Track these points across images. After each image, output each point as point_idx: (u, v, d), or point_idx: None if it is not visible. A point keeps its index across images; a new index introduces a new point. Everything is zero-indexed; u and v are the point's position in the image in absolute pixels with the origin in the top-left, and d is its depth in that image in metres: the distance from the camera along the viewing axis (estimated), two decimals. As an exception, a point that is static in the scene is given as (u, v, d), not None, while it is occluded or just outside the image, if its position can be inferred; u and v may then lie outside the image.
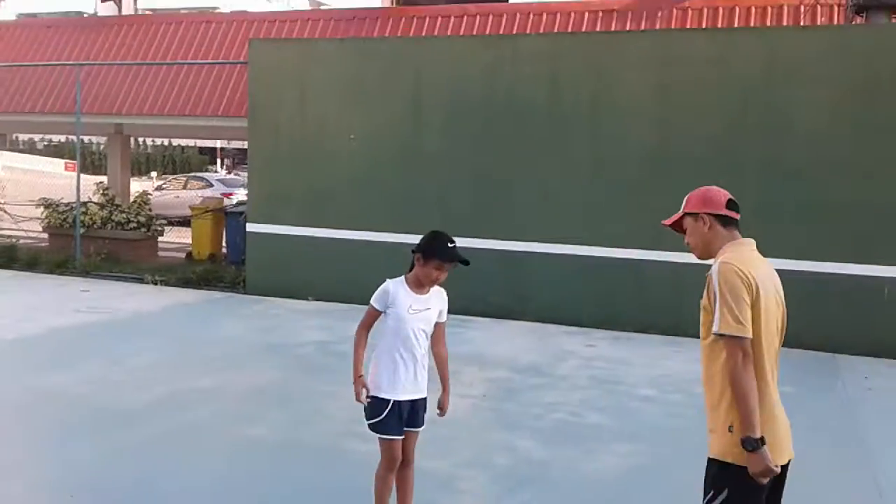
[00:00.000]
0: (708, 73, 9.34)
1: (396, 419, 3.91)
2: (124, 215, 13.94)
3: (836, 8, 12.93)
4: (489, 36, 13.12)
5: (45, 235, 14.78)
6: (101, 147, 40.45)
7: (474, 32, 13.96)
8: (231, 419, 6.07)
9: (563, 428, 6.09)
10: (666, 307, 9.33)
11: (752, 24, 13.08)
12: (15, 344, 8.18)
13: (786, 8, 13.31)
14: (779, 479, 2.96)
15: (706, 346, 3.03)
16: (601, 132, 9.73)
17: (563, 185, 9.87)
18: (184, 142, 48.51)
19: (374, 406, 3.92)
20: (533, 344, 8.84)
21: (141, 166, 45.06)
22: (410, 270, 3.96)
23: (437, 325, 4.02)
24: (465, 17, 14.46)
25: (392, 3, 20.68)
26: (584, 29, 13.69)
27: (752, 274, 2.92)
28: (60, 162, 38.18)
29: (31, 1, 73.92)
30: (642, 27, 13.48)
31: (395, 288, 3.93)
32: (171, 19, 16.91)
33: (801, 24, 12.81)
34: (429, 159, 10.43)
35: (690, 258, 9.80)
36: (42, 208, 14.47)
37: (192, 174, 27.51)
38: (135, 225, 13.92)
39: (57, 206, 14.33)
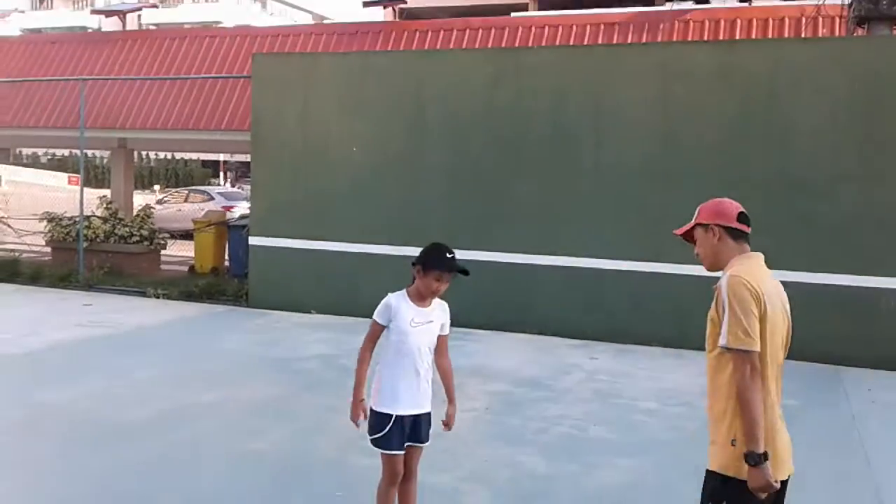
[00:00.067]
0: (710, 86, 9.36)
1: (399, 434, 3.90)
2: (127, 229, 13.96)
3: (837, 20, 12.96)
4: (491, 49, 13.17)
5: (48, 249, 14.80)
6: (105, 161, 40.65)
7: (476, 46, 14.01)
8: (233, 433, 6.06)
9: (566, 442, 6.07)
10: (668, 319, 9.31)
11: (753, 37, 13.11)
12: (18, 358, 8.17)
13: (787, 20, 13.36)
14: (778, 495, 2.95)
15: (712, 358, 3.03)
16: (603, 145, 9.75)
17: (566, 198, 9.88)
18: (187, 155, 48.67)
19: (377, 421, 3.91)
20: (535, 356, 8.82)
21: (144, 179, 45.23)
22: (412, 284, 3.96)
23: (440, 337, 4.01)
24: (468, 31, 14.52)
25: (394, 18, 20.78)
26: (585, 42, 13.74)
27: (760, 288, 2.93)
28: (64, 176, 38.37)
29: (35, 16, 74.35)
30: (644, 40, 13.53)
31: (397, 301, 3.93)
32: (174, 34, 17.00)
33: (803, 35, 12.85)
34: (432, 172, 10.45)
35: (692, 270, 9.78)
36: (45, 222, 14.50)
37: (194, 187, 27.57)
38: (138, 238, 13.94)
39: (60, 219, 14.36)
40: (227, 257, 13.99)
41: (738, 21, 13.54)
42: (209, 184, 44.75)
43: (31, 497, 4.83)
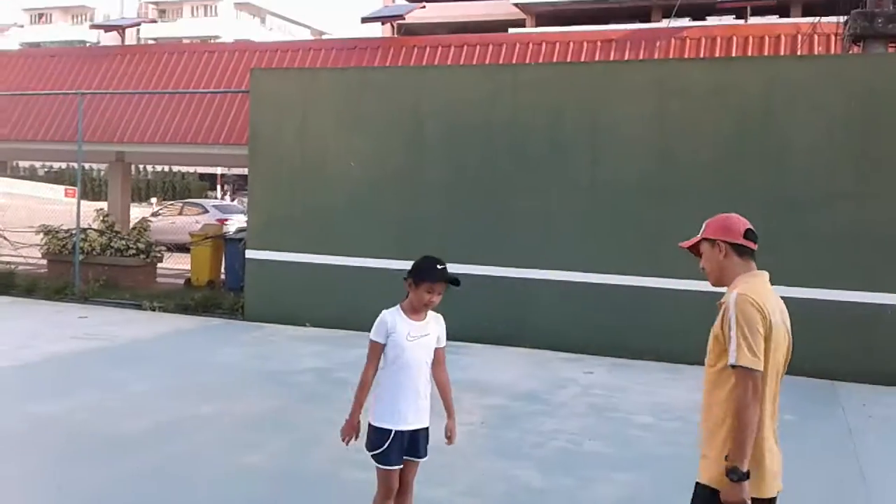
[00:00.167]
0: (706, 103, 9.41)
1: (398, 449, 3.89)
2: (124, 242, 13.96)
3: (832, 37, 13.05)
4: (489, 65, 13.24)
5: (44, 262, 14.79)
6: (102, 173, 40.69)
7: (474, 62, 14.08)
8: (229, 447, 6.04)
9: (562, 456, 6.06)
10: (663, 334, 9.33)
11: (749, 54, 13.19)
12: (13, 371, 8.15)
13: (783, 37, 13.45)
14: None
15: (713, 372, 3.05)
16: (600, 161, 9.79)
17: (562, 213, 9.90)
18: (184, 168, 48.73)
19: (376, 436, 3.90)
20: (531, 370, 8.81)
21: (141, 192, 45.27)
22: (405, 299, 3.97)
23: (437, 350, 4.02)
24: (465, 47, 14.60)
25: (393, 33, 20.88)
26: (582, 59, 13.81)
27: (766, 306, 2.95)
28: (61, 188, 38.40)
29: (34, 31, 74.66)
30: (641, 57, 13.60)
31: (392, 317, 3.94)
32: (173, 49, 17.08)
33: (799, 53, 12.93)
34: (428, 187, 10.47)
35: (688, 285, 9.84)
36: (42, 234, 14.49)
37: (188, 200, 27.58)
38: (134, 251, 13.94)
39: (56, 232, 14.35)
40: (223, 270, 13.99)
41: (735, 38, 13.63)
42: (206, 197, 44.79)
43: (24, 509, 4.81)
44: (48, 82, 16.30)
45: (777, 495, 3.02)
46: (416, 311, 3.94)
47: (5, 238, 16.63)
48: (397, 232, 10.46)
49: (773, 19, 23.92)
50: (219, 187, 54.79)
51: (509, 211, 10.09)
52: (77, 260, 13.23)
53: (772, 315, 2.96)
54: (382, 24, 20.98)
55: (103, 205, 18.06)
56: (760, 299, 2.96)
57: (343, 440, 3.95)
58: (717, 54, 13.36)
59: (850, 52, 11.26)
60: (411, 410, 3.91)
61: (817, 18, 14.08)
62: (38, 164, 49.22)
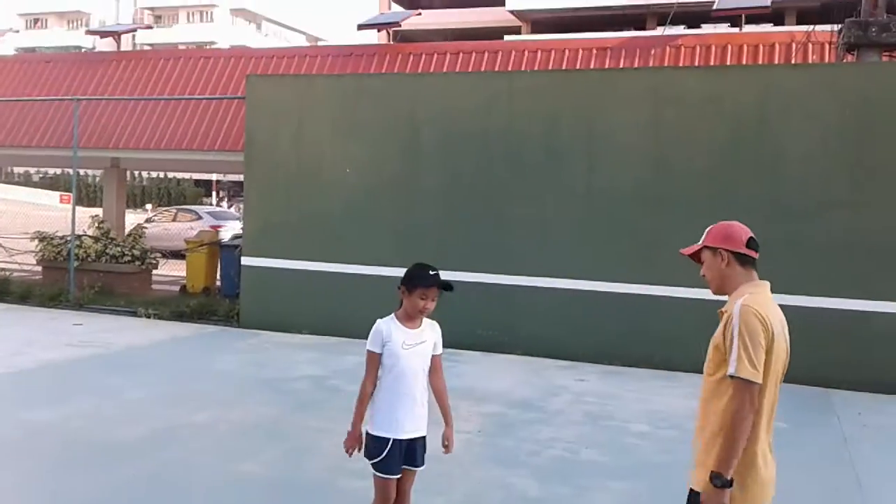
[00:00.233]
0: (701, 111, 9.44)
1: (396, 458, 3.89)
2: (119, 248, 13.94)
3: (827, 46, 13.10)
4: (485, 72, 13.26)
5: (39, 268, 14.75)
6: (97, 179, 40.65)
7: (470, 69, 14.10)
8: (224, 455, 6.03)
9: (558, 464, 6.06)
10: (657, 341, 9.35)
11: (744, 62, 13.24)
12: (7, 378, 8.13)
13: (777, 46, 13.50)
14: None
15: (712, 381, 3.06)
16: (595, 168, 9.81)
17: (557, 220, 9.92)
18: (179, 174, 48.71)
19: (374, 445, 3.90)
20: (526, 378, 8.81)
21: (136, 198, 45.22)
22: (399, 308, 3.98)
23: (433, 357, 4.02)
24: (461, 54, 14.62)
25: (389, 40, 20.91)
26: (578, 66, 13.84)
27: (769, 319, 2.97)
28: (56, 194, 38.36)
29: (30, 36, 74.55)
30: (636, 65, 13.64)
31: (387, 326, 3.94)
32: (169, 55, 17.06)
33: (793, 61, 12.98)
34: (424, 194, 10.49)
35: (682, 293, 9.82)
36: (37, 241, 14.46)
37: (181, 206, 27.57)
38: (129, 258, 13.92)
39: (51, 239, 14.33)
40: (218, 277, 13.97)
41: (729, 47, 13.68)
42: (201, 203, 44.79)
43: (19, 518, 4.79)
44: (44, 88, 16.28)
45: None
46: (410, 319, 3.95)
47: (0, 245, 16.60)
48: (393, 239, 10.47)
49: (767, 28, 24.03)
50: (214, 193, 54.79)
51: (505, 218, 10.11)
52: (72, 266, 13.21)
53: (773, 327, 2.97)
54: (378, 31, 21.01)
55: (98, 211, 18.02)
56: (764, 311, 2.97)
57: (346, 452, 3.95)
58: (711, 62, 13.40)
59: (845, 60, 11.30)
60: (409, 419, 3.91)
61: (811, 27, 14.14)
62: (32, 170, 49.15)
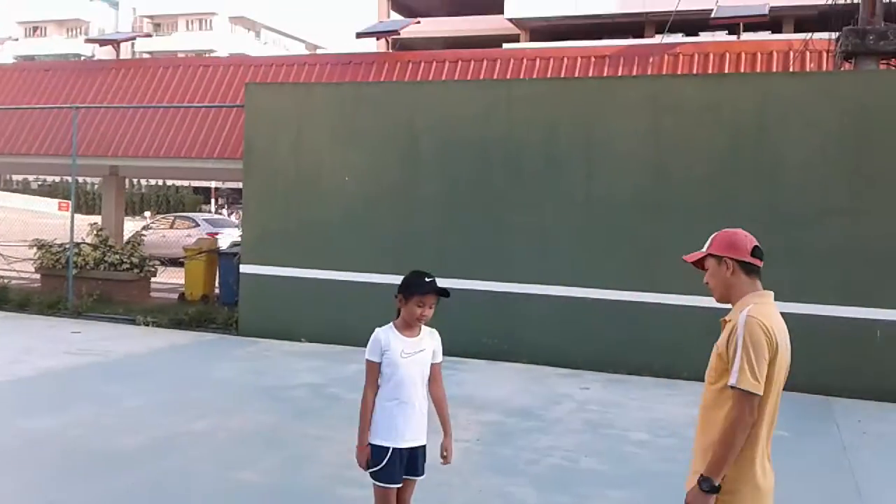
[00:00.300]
0: (699, 119, 9.46)
1: (397, 467, 3.88)
2: (117, 256, 13.93)
3: (824, 54, 13.14)
4: (483, 80, 13.28)
5: (37, 276, 14.74)
6: (95, 187, 40.67)
7: (468, 77, 14.13)
8: (222, 463, 6.02)
9: (557, 473, 6.05)
10: (659, 349, 9.34)
11: (742, 70, 13.27)
12: (6, 386, 8.11)
13: (775, 54, 13.53)
14: None
15: (713, 390, 3.06)
16: (594, 176, 9.82)
17: (557, 228, 9.93)
18: (178, 182, 48.73)
19: (374, 454, 3.89)
20: (526, 386, 8.80)
21: (135, 206, 45.23)
22: (398, 317, 3.97)
23: (433, 366, 4.00)
24: (460, 62, 14.64)
25: (387, 48, 20.95)
26: (576, 74, 13.87)
27: (773, 330, 2.96)
28: (54, 202, 38.30)
29: (29, 44, 74.68)
30: (634, 73, 13.67)
31: (386, 335, 3.93)
32: (168, 63, 17.08)
33: (791, 69, 13.01)
34: (423, 202, 10.49)
35: (683, 300, 9.79)
36: (35, 249, 14.45)
37: (179, 214, 27.58)
38: (128, 266, 13.91)
39: (50, 246, 14.32)
40: (217, 285, 13.96)
41: (727, 54, 13.70)
42: (200, 210, 44.79)
43: (17, 527, 4.78)
44: (42, 96, 16.29)
45: None
46: (409, 328, 3.94)
47: (-1, 253, 16.58)
48: (392, 247, 10.46)
49: (765, 36, 24.07)
50: (213, 201, 54.81)
51: (504, 226, 10.11)
52: (71, 274, 13.20)
53: (778, 338, 2.97)
54: (377, 39, 21.04)
55: (97, 219, 18.02)
56: (768, 322, 2.96)
57: (361, 467, 3.93)
58: (710, 70, 13.43)
59: (842, 68, 11.33)
60: (408, 427, 3.90)
61: (809, 35, 14.18)
62: (31, 178, 49.14)
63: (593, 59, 14.27)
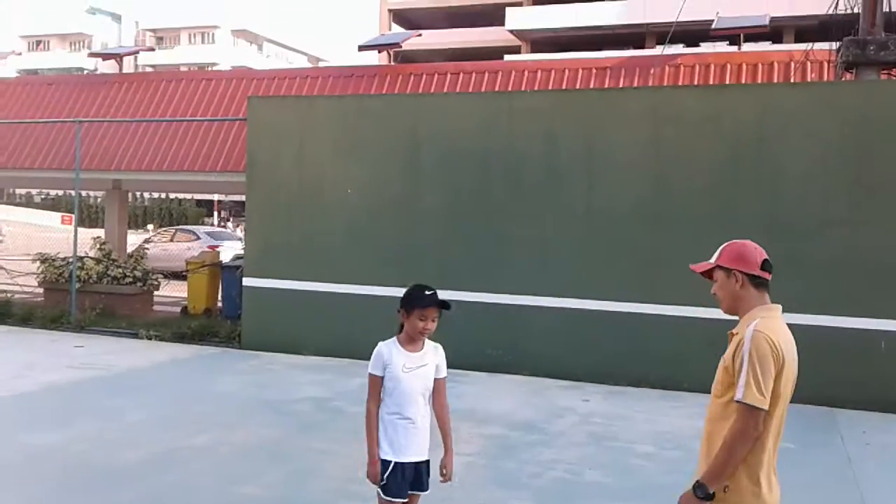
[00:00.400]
0: (700, 130, 9.47)
1: (400, 481, 3.87)
2: (120, 270, 13.95)
3: (825, 65, 13.16)
4: (485, 93, 13.31)
5: (40, 290, 14.75)
6: (98, 200, 40.75)
7: (470, 89, 14.17)
8: (225, 477, 6.01)
9: (561, 486, 6.03)
10: (661, 360, 9.32)
11: (743, 81, 13.30)
12: (8, 401, 8.11)
13: (776, 64, 13.55)
14: None
15: (719, 403, 3.05)
16: (595, 187, 9.83)
17: (559, 239, 9.93)
18: (181, 195, 48.86)
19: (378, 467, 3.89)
20: (528, 398, 8.78)
21: (137, 219, 45.32)
22: (401, 331, 3.97)
23: (436, 380, 3.99)
24: (461, 74, 14.69)
25: (389, 61, 21.02)
26: (577, 86, 13.90)
27: (780, 344, 2.96)
28: (57, 215, 38.39)
29: (32, 58, 74.96)
30: (635, 84, 13.70)
31: (388, 349, 3.93)
32: (171, 76, 17.15)
33: (792, 80, 13.03)
34: (425, 214, 10.50)
35: (684, 312, 9.77)
36: (38, 263, 14.47)
37: (180, 227, 27.65)
38: (131, 279, 13.92)
39: (53, 260, 14.34)
40: (220, 298, 13.96)
41: (728, 65, 13.73)
42: (202, 223, 44.88)
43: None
44: (46, 110, 16.35)
45: None
46: (412, 342, 3.94)
47: (2, 266, 16.61)
48: (394, 259, 10.47)
49: (766, 46, 24.14)
50: (216, 213, 54.92)
51: (505, 238, 10.12)
52: (74, 288, 13.21)
53: (785, 353, 2.97)
54: (379, 52, 21.12)
55: (100, 232, 18.05)
56: (776, 337, 2.96)
57: (373, 481, 3.90)
58: (711, 81, 13.45)
59: (843, 79, 11.35)
60: (411, 442, 3.89)
61: (810, 45, 14.22)
62: (34, 192, 49.28)
63: (594, 71, 14.31)
